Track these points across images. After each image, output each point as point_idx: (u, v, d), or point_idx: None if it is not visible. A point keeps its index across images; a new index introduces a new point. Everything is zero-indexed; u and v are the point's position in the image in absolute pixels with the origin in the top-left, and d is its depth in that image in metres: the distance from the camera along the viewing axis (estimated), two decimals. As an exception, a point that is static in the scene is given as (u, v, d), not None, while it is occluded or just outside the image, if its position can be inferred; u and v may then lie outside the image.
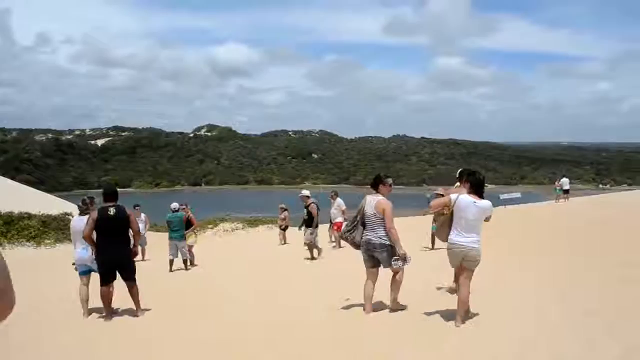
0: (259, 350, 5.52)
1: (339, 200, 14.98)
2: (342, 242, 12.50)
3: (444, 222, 6.11)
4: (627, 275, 7.58)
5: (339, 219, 14.49)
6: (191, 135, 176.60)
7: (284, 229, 18.52)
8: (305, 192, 14.08)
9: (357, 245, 6.69)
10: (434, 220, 7.71)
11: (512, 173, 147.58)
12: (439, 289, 7.42)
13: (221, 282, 10.46)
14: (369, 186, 6.91)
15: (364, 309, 6.61)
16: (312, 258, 13.07)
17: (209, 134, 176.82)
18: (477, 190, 5.93)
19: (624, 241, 11.31)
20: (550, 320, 5.72)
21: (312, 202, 13.36)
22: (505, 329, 5.52)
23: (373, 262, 6.57)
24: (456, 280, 6.24)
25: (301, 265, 12.42)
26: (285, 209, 18.78)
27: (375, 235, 6.45)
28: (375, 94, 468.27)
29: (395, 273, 6.43)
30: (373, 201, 6.54)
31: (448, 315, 6.00)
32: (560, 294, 6.93)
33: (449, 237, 5.96)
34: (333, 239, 15.75)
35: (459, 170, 7.02)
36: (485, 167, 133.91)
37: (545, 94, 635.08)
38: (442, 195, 7.32)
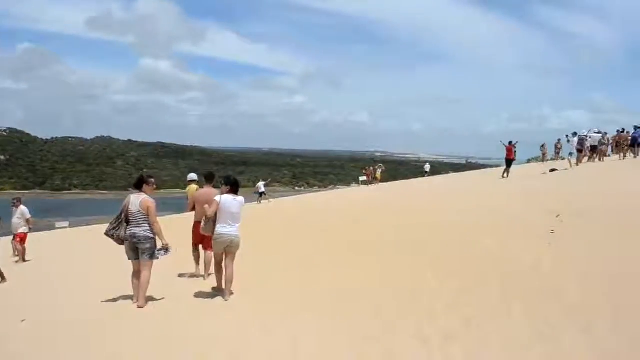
0: None
1: (22, 208, 13.45)
2: (26, 256, 13.52)
3: (208, 219, 7.44)
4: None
5: (23, 230, 13.37)
6: None
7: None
8: None
9: (121, 241, 7.39)
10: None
11: (218, 177, 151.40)
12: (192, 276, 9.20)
13: None
14: (133, 186, 7.61)
15: (138, 304, 7.31)
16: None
17: None
18: (234, 188, 7.53)
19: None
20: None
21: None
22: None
23: (136, 255, 7.34)
24: (216, 267, 7.80)
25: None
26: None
27: (140, 230, 7.24)
28: (76, 92, 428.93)
29: (144, 270, 7.29)
30: (137, 200, 7.31)
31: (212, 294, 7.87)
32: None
33: (216, 229, 7.34)
34: (16, 253, 13.78)
35: (205, 173, 9.36)
36: (194, 170, 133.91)
37: (249, 103, 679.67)
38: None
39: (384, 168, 39.12)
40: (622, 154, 26.01)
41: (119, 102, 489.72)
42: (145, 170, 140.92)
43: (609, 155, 28.32)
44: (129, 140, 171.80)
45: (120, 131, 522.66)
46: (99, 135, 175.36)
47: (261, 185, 31.74)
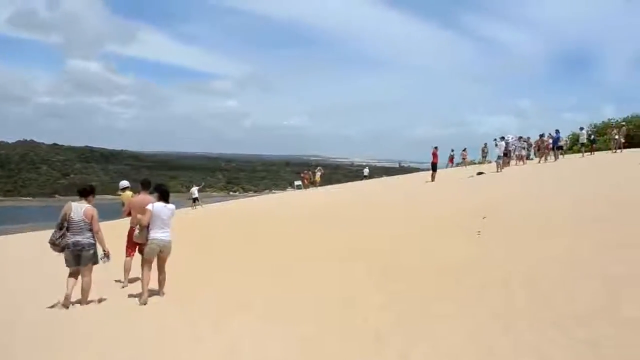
0: None
1: None
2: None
3: (143, 227, 7.88)
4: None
5: None
6: None
7: None
8: None
9: (62, 249, 7.55)
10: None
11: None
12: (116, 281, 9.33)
13: None
14: (78, 194, 7.86)
15: (63, 302, 7.56)
16: None
17: None
18: (164, 197, 7.97)
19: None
20: None
21: None
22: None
23: (77, 262, 7.58)
24: (146, 272, 7.83)
25: None
26: None
27: (84, 237, 7.52)
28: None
29: (85, 276, 7.64)
30: (80, 208, 7.60)
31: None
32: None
33: (150, 235, 7.72)
34: None
35: (140, 180, 9.11)
36: (126, 175, 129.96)
37: (182, 106, 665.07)
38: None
39: (323, 171, 39.44)
40: (543, 158, 27.58)
41: (44, 104, 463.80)
42: (72, 175, 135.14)
43: (532, 159, 29.96)
44: (54, 144, 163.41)
45: (45, 135, 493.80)
46: (22, 138, 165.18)
47: (195, 191, 31.18)
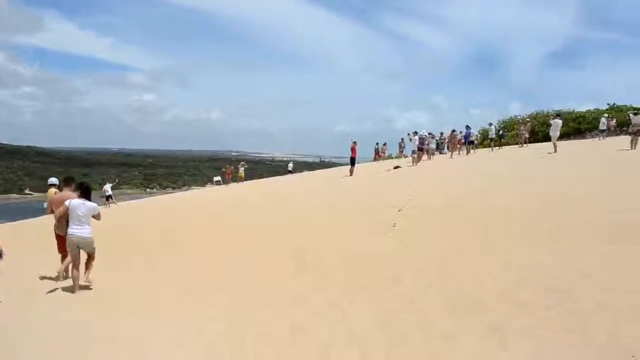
0: None
1: None
2: None
3: (61, 219, 8.11)
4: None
5: None
6: None
7: None
8: None
9: None
10: None
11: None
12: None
13: None
14: None
15: None
16: None
17: None
18: (85, 194, 8.13)
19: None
20: None
21: None
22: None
23: None
24: (74, 265, 7.90)
25: None
26: None
27: None
28: None
29: None
30: None
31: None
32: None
33: (68, 230, 7.87)
34: None
35: (63, 177, 9.27)
36: (31, 173, 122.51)
37: (95, 100, 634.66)
38: None
39: (246, 166, 39.12)
40: (454, 152, 28.81)
41: None
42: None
43: (445, 153, 31.22)
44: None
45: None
46: None
47: (108, 188, 29.79)
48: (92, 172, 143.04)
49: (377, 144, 38.32)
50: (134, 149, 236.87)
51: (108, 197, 29.28)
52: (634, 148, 19.02)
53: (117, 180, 40.98)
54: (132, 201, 34.86)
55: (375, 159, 37.53)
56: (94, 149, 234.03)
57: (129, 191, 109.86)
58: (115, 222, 16.42)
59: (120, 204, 30.09)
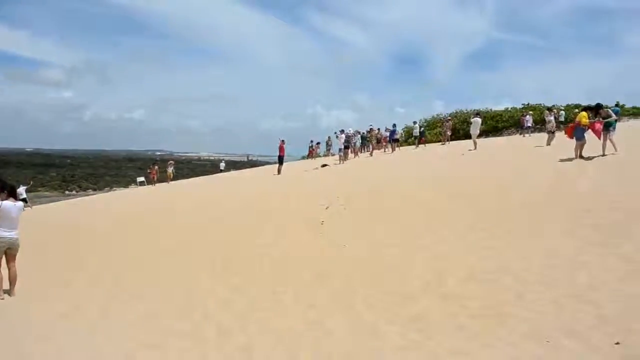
0: None
1: None
2: None
3: None
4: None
5: None
6: None
7: None
8: None
9: None
10: None
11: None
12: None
13: None
14: None
15: None
16: None
17: None
18: (13, 194, 7.88)
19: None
20: None
21: None
22: None
23: None
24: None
25: None
26: None
27: None
28: None
29: None
30: None
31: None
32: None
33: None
34: None
35: None
36: None
37: (6, 97, 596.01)
38: None
39: (175, 165, 38.35)
40: (379, 150, 29.65)
41: None
42: None
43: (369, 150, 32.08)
44: None
45: None
46: None
47: (22, 191, 28.21)
48: (5, 173, 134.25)
49: (312, 142, 38.63)
50: (51, 149, 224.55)
51: (23, 200, 27.72)
52: (549, 144, 20.09)
53: (31, 183, 38.73)
54: (50, 204, 33.19)
55: (308, 156, 37.88)
56: (6, 148, 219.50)
57: (46, 193, 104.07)
58: (30, 228, 15.54)
59: (35, 207, 28.60)
